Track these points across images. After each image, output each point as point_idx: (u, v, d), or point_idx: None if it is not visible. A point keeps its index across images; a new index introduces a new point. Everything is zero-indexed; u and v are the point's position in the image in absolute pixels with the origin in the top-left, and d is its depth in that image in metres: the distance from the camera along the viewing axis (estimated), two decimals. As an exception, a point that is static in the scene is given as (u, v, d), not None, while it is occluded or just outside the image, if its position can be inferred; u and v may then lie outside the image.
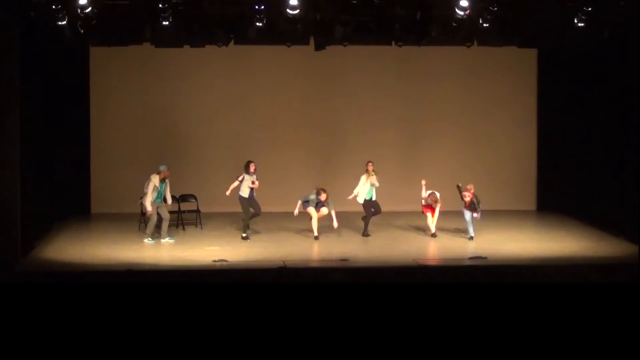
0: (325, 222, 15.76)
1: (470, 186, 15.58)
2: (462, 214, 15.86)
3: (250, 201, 15.55)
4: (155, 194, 15.32)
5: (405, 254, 14.77)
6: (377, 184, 15.94)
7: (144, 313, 10.31)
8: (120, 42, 15.73)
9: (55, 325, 9.92)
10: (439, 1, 14.37)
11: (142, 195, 15.57)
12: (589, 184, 17.45)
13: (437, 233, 16.09)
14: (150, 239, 15.38)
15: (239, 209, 15.84)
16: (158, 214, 15.44)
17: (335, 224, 15.50)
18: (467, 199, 15.51)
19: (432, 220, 16.01)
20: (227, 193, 15.55)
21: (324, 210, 15.57)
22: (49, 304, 10.50)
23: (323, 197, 15.49)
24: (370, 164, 15.97)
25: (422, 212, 16.14)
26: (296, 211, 15.64)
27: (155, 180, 15.32)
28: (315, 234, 15.63)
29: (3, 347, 9.33)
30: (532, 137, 19.52)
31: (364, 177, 15.95)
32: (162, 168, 15.47)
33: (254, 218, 15.81)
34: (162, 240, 15.39)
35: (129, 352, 9.36)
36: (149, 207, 15.30)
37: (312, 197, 15.56)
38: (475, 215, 15.59)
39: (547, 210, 19.05)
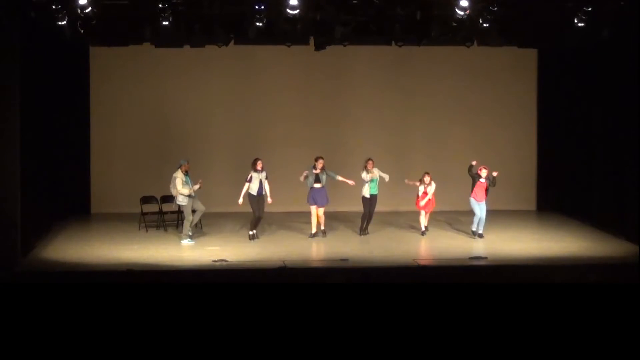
0: (327, 221, 15.80)
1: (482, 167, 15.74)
2: (464, 214, 15.90)
3: (258, 199, 15.50)
4: (187, 189, 15.26)
5: (405, 254, 14.77)
6: (386, 177, 15.92)
7: (144, 313, 10.31)
8: (120, 42, 15.73)
9: (55, 325, 9.93)
10: (439, 1, 14.36)
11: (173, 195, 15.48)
12: (589, 184, 17.45)
13: (438, 232, 16.11)
14: (189, 239, 15.33)
15: (239, 208, 15.83)
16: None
17: (350, 182, 15.68)
18: (485, 172, 15.55)
19: (425, 217, 16.12)
20: (240, 202, 15.46)
21: (321, 212, 15.60)
22: (49, 304, 10.50)
23: (320, 164, 15.48)
24: (370, 162, 15.92)
25: (418, 207, 16.20)
26: (302, 178, 15.60)
27: (180, 175, 15.25)
28: (313, 231, 15.64)
29: (3, 347, 9.33)
30: (532, 137, 19.52)
31: (364, 174, 15.92)
32: (183, 161, 15.42)
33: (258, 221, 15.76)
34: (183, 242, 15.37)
35: (129, 352, 9.36)
36: (184, 203, 15.23)
37: (310, 171, 15.56)
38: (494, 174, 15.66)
39: (547, 210, 19.05)
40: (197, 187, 15.41)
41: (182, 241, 15.32)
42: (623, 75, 15.66)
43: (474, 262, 14.14)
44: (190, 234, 15.36)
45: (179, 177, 15.24)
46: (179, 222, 16.34)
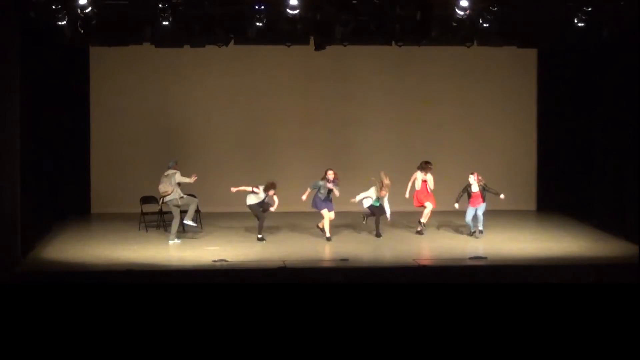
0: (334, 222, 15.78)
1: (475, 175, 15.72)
2: (463, 214, 15.92)
3: (259, 205, 15.48)
4: (187, 179, 15.28)
5: (405, 254, 14.77)
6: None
7: (144, 313, 10.31)
8: (120, 42, 15.71)
9: (55, 325, 9.93)
10: (439, 1, 14.36)
11: (165, 194, 15.36)
12: (589, 184, 17.44)
13: (438, 232, 16.09)
14: (177, 239, 15.31)
15: (239, 208, 15.82)
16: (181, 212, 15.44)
17: (337, 193, 15.44)
18: (472, 177, 15.59)
19: (424, 216, 16.10)
20: (233, 190, 15.41)
21: (332, 215, 15.54)
22: (49, 304, 10.50)
23: (330, 175, 15.39)
24: (386, 181, 15.70)
25: (415, 204, 16.18)
26: (304, 197, 15.55)
27: (178, 171, 15.25)
28: (327, 235, 15.57)
29: (3, 347, 9.33)
30: (532, 137, 19.51)
31: (374, 189, 15.76)
32: (172, 163, 15.43)
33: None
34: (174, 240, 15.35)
35: (129, 352, 9.36)
36: (183, 195, 15.22)
37: (321, 182, 15.49)
38: (501, 196, 15.62)
39: (547, 210, 19.04)
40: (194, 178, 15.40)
41: (170, 241, 15.27)
42: (623, 75, 15.66)
43: (474, 262, 14.13)
44: (174, 232, 15.37)
45: (178, 171, 15.23)
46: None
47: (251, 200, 15.43)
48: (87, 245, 15.22)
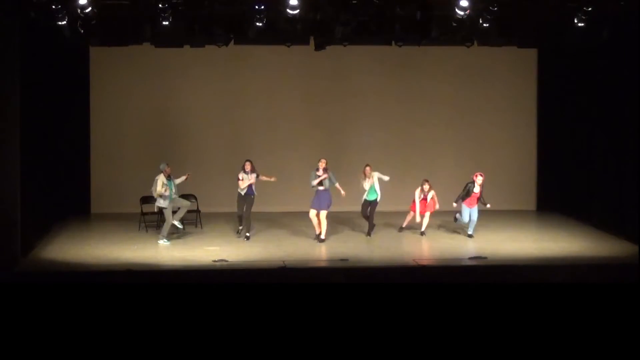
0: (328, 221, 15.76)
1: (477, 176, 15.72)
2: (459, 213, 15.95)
3: (245, 198, 15.51)
4: (167, 193, 15.25)
5: (405, 254, 14.78)
6: (385, 178, 15.85)
7: (143, 313, 10.32)
8: (120, 42, 15.70)
9: (55, 325, 9.93)
10: (439, 1, 14.36)
11: (152, 198, 15.49)
12: (589, 184, 17.45)
13: (438, 232, 16.09)
14: (165, 239, 15.33)
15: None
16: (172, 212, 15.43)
17: (342, 192, 15.44)
18: (480, 179, 15.62)
19: (425, 219, 16.12)
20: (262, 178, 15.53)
21: (322, 216, 15.50)
22: (49, 304, 10.51)
23: (322, 164, 15.40)
24: (367, 168, 15.83)
25: (412, 210, 16.19)
26: (315, 182, 15.53)
27: (162, 178, 15.22)
28: (317, 231, 15.55)
29: (3, 347, 9.34)
30: (532, 137, 19.52)
31: (363, 182, 15.89)
32: (162, 166, 15.41)
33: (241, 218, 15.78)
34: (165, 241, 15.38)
35: (129, 352, 9.37)
36: (164, 205, 15.20)
37: (313, 174, 15.47)
38: (487, 205, 15.76)
39: (547, 210, 19.05)
40: (183, 178, 15.46)
41: (159, 241, 15.31)
42: (623, 75, 15.67)
43: (474, 262, 14.14)
44: (166, 234, 15.36)
45: (160, 179, 15.20)
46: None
47: (240, 190, 15.43)
48: (87, 245, 15.23)
